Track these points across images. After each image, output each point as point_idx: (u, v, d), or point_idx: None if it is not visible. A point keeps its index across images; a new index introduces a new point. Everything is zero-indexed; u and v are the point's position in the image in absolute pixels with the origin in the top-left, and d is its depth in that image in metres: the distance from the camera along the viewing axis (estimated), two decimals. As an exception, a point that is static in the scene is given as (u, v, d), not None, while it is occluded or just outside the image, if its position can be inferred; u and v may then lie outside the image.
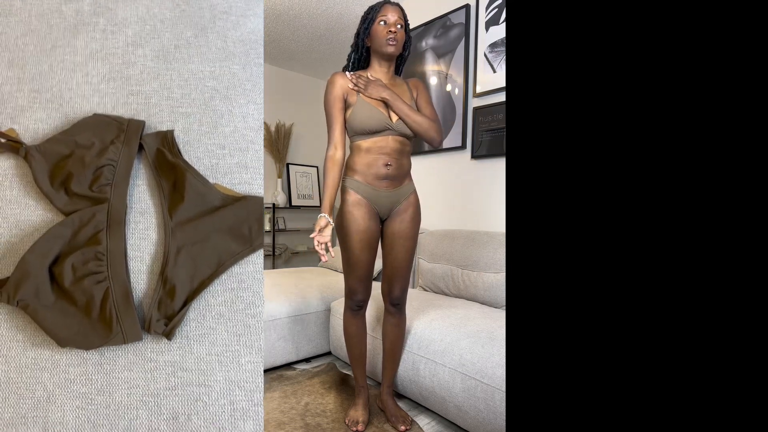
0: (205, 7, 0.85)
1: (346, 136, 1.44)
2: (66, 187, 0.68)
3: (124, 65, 0.78)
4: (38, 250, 0.63)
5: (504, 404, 1.32)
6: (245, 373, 0.66)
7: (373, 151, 1.39)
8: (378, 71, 1.44)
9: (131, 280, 0.67)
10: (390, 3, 1.41)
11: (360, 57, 1.47)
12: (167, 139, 0.75)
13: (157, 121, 0.77)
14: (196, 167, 0.74)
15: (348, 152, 1.52)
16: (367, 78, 1.40)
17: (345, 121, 1.42)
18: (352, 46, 1.48)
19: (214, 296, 0.69)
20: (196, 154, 0.76)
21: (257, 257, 0.72)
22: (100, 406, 0.63)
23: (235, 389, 0.66)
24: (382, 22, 1.38)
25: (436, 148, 1.79)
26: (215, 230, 0.70)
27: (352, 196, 1.42)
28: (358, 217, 1.41)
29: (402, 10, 1.42)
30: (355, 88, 1.38)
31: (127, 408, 0.63)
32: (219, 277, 0.70)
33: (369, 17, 1.40)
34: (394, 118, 1.40)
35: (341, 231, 1.44)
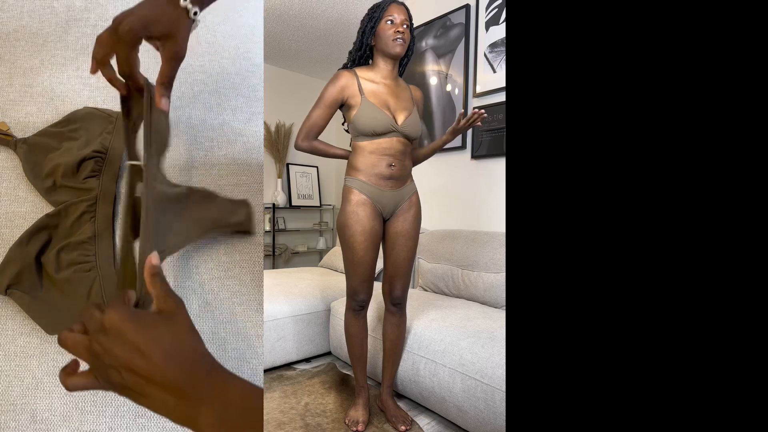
0: (195, 3, 0.86)
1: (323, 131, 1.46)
2: (55, 179, 0.69)
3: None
4: (26, 240, 0.64)
5: (504, 404, 1.31)
6: (231, 360, 0.66)
7: (377, 152, 1.38)
8: (383, 70, 1.42)
9: (119, 269, 0.68)
10: (396, 2, 1.40)
11: (362, 55, 1.46)
12: (156, 131, 0.75)
13: (146, 115, 0.78)
14: (185, 159, 0.75)
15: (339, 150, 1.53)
16: None
17: (346, 120, 1.43)
18: (354, 44, 1.46)
19: (200, 285, 0.70)
20: (185, 146, 0.77)
21: (244, 247, 0.72)
22: (88, 393, 0.63)
23: (221, 377, 0.66)
24: (389, 22, 1.36)
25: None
26: (201, 219, 0.71)
27: (356, 196, 1.40)
28: (363, 217, 1.39)
29: (407, 10, 1.41)
30: None
31: (115, 394, 0.63)
32: (206, 267, 0.70)
33: (375, 16, 1.39)
34: (399, 120, 1.39)
35: (345, 231, 1.42)
